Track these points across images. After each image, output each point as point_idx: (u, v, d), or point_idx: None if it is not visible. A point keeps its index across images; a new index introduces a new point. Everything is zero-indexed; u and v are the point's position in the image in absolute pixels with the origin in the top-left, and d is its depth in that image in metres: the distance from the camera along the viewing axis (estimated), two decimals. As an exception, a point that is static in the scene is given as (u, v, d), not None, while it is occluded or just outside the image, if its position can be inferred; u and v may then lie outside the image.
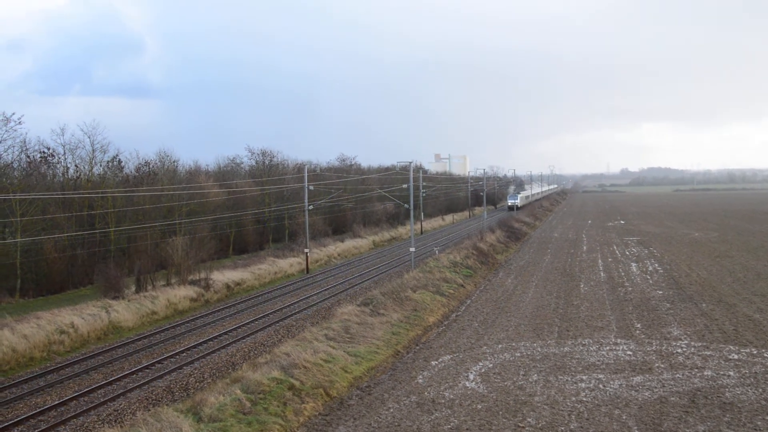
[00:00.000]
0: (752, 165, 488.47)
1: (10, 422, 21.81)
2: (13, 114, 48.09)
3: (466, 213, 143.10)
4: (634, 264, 53.03)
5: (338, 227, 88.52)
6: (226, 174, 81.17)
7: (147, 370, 27.94)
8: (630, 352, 26.42)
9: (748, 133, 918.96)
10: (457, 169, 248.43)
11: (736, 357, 25.29)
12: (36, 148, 53.42)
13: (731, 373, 23.16)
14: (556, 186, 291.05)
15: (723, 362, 24.61)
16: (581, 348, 27.36)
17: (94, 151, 55.71)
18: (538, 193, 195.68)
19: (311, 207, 62.75)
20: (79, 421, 22.00)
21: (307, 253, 59.11)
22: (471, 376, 23.77)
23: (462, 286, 43.41)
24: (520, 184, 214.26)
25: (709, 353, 25.92)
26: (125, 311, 37.23)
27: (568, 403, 20.53)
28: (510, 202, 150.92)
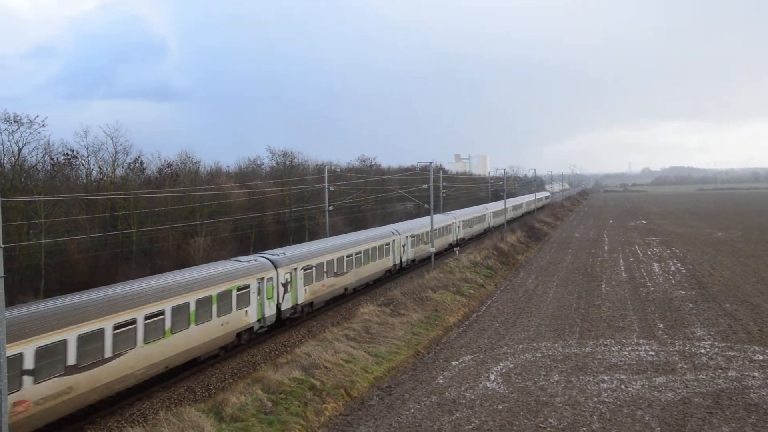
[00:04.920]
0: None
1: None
2: (37, 116, 48.47)
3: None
4: (656, 264, 52.53)
5: (358, 227, 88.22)
6: (246, 175, 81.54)
7: (169, 371, 28.12)
8: (652, 353, 26.19)
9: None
10: (478, 170, 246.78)
11: (761, 358, 24.98)
12: (60, 150, 54.01)
13: (756, 374, 22.88)
14: (543, 196, 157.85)
15: (748, 363, 24.33)
16: (603, 348, 27.17)
17: (116, 152, 56.05)
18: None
19: (331, 207, 62.90)
20: (104, 422, 22.27)
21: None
22: (492, 377, 23.71)
23: (482, 286, 43.28)
24: (540, 184, 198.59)
25: (733, 354, 25.63)
26: (148, 311, 37.47)
27: (590, 404, 20.41)
28: None
